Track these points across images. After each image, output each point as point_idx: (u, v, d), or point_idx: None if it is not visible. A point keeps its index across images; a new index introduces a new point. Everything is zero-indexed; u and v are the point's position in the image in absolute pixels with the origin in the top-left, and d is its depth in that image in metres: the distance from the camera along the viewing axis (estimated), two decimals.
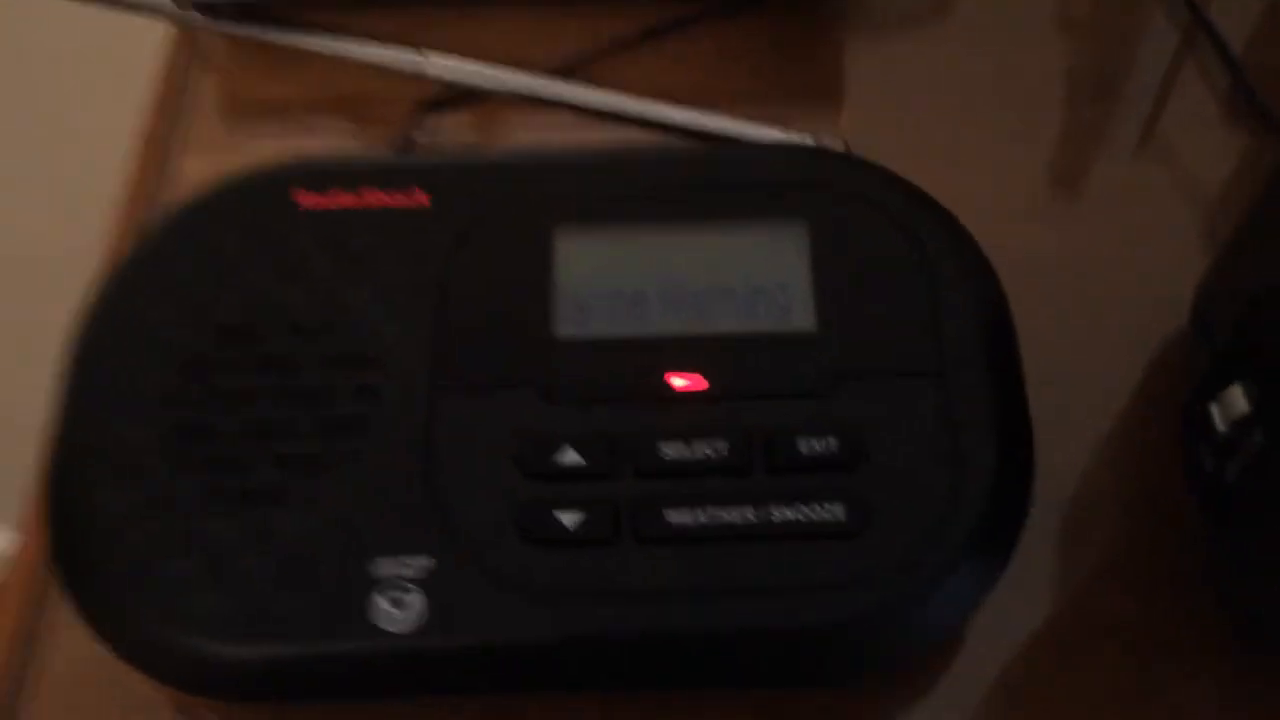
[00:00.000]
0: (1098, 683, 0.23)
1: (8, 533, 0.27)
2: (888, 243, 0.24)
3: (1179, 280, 0.27)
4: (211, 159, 0.31)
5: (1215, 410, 0.18)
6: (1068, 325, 0.27)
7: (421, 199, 0.24)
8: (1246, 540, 0.20)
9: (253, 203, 0.24)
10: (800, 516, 0.21)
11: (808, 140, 0.28)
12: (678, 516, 0.21)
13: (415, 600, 0.21)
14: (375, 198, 0.24)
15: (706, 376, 0.22)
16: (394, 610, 0.21)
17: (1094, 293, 0.28)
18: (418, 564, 0.21)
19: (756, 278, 0.24)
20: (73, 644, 0.24)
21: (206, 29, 0.32)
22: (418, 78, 0.31)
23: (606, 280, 0.24)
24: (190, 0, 0.31)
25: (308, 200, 0.24)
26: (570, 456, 0.22)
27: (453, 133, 0.31)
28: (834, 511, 0.21)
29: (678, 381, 0.23)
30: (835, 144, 0.28)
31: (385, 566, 0.21)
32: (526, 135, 0.31)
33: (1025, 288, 0.25)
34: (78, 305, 0.24)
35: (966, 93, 0.31)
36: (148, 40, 0.33)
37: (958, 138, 0.31)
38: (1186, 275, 0.27)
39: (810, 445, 0.22)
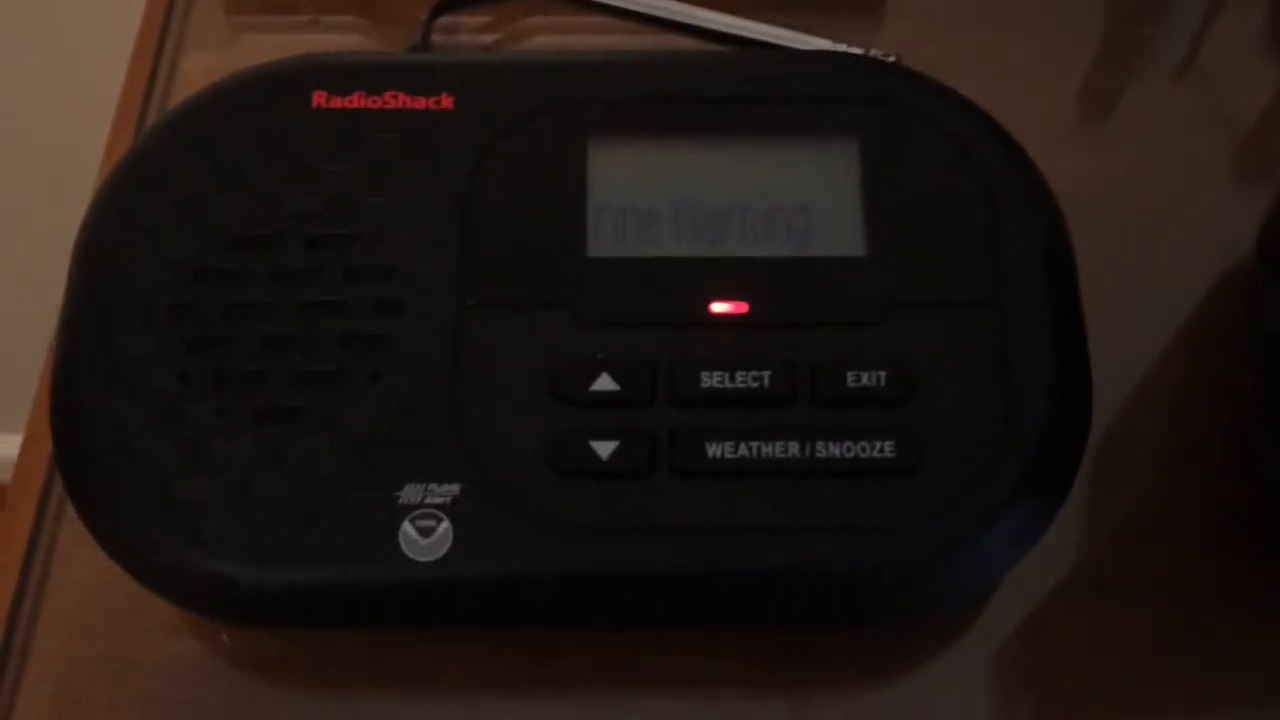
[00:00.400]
0: (1132, 629, 0.23)
1: (16, 439, 0.26)
2: (944, 163, 0.22)
3: (1229, 213, 0.26)
4: (216, 55, 0.29)
5: None
6: (1115, 258, 0.26)
7: (446, 102, 0.23)
8: None
9: (268, 101, 0.23)
10: (847, 453, 0.20)
11: (857, 52, 0.26)
12: (717, 449, 0.20)
13: (442, 529, 0.20)
14: (398, 99, 0.23)
15: (749, 301, 0.21)
16: (420, 538, 0.20)
17: (1143, 223, 0.27)
18: (444, 491, 0.20)
19: (804, 197, 0.22)
20: (86, 565, 0.23)
21: None
22: None
23: (644, 196, 0.22)
24: None
25: (326, 101, 0.23)
26: (605, 383, 0.21)
27: (472, 34, 0.30)
28: (883, 448, 0.20)
29: (719, 306, 0.21)
30: (886, 56, 0.26)
31: (410, 493, 0.20)
32: (551, 39, 0.29)
33: (1073, 216, 0.24)
34: (81, 209, 0.22)
35: (1016, 6, 0.30)
36: None
37: (1004, 55, 0.29)
38: (1235, 208, 0.26)
39: (858, 378, 0.21)
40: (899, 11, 0.30)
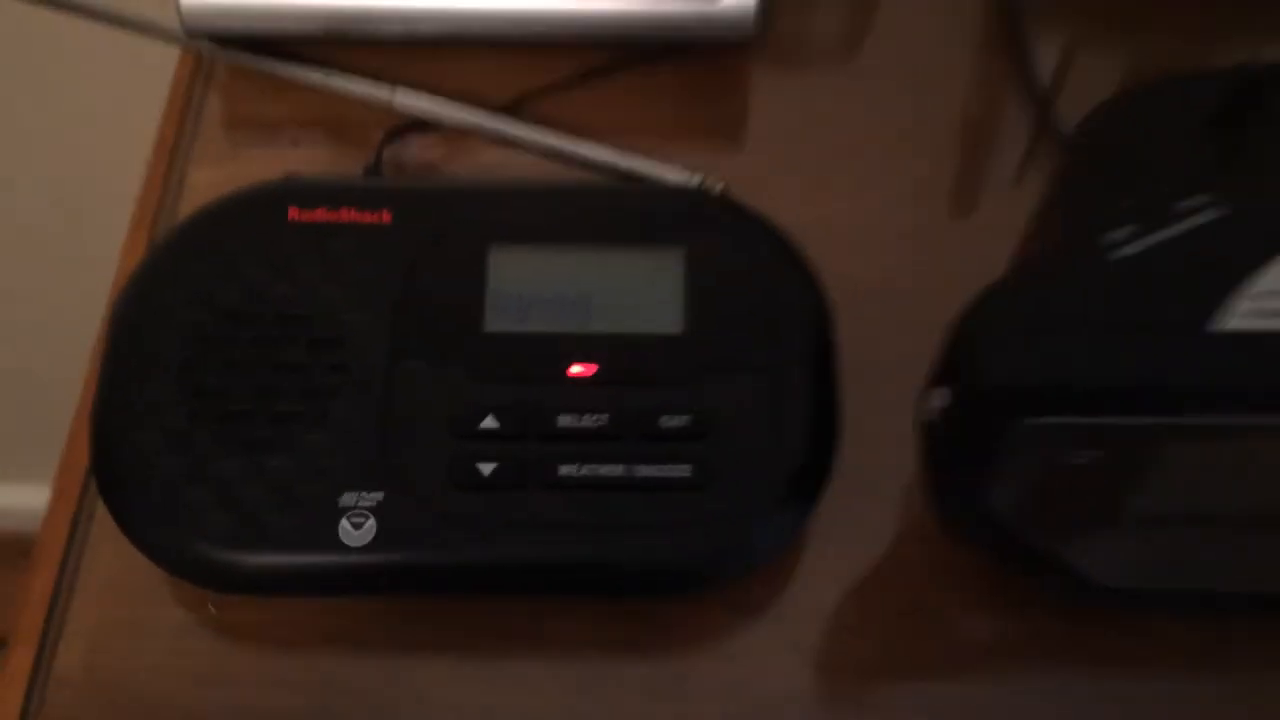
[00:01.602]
0: (885, 600, 0.31)
1: (43, 491, 0.33)
2: (743, 268, 0.31)
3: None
4: (216, 168, 0.37)
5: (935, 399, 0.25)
6: (894, 338, 0.34)
7: (386, 218, 0.31)
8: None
9: (255, 216, 0.31)
10: (659, 473, 0.29)
11: (695, 180, 0.35)
12: (567, 470, 0.29)
13: (369, 524, 0.28)
14: (350, 215, 0.31)
15: (597, 366, 0.30)
16: (354, 530, 0.28)
17: (905, 312, 0.34)
18: (372, 498, 0.28)
19: (642, 290, 0.31)
20: (111, 556, 0.31)
21: (214, 57, 0.39)
22: (389, 107, 0.38)
23: (526, 288, 0.31)
24: (201, 34, 0.38)
25: (299, 215, 0.31)
26: (489, 422, 0.29)
27: (417, 153, 0.38)
28: (684, 470, 0.29)
29: (574, 369, 0.30)
30: (717, 184, 0.35)
31: (348, 499, 0.28)
32: (475, 160, 0.38)
33: (867, 306, 0.33)
34: (107, 292, 0.31)
35: (850, 135, 0.38)
36: (166, 62, 0.39)
37: (834, 173, 0.38)
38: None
39: (669, 421, 0.29)
40: (755, 138, 0.39)
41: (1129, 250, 0.23)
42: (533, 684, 0.30)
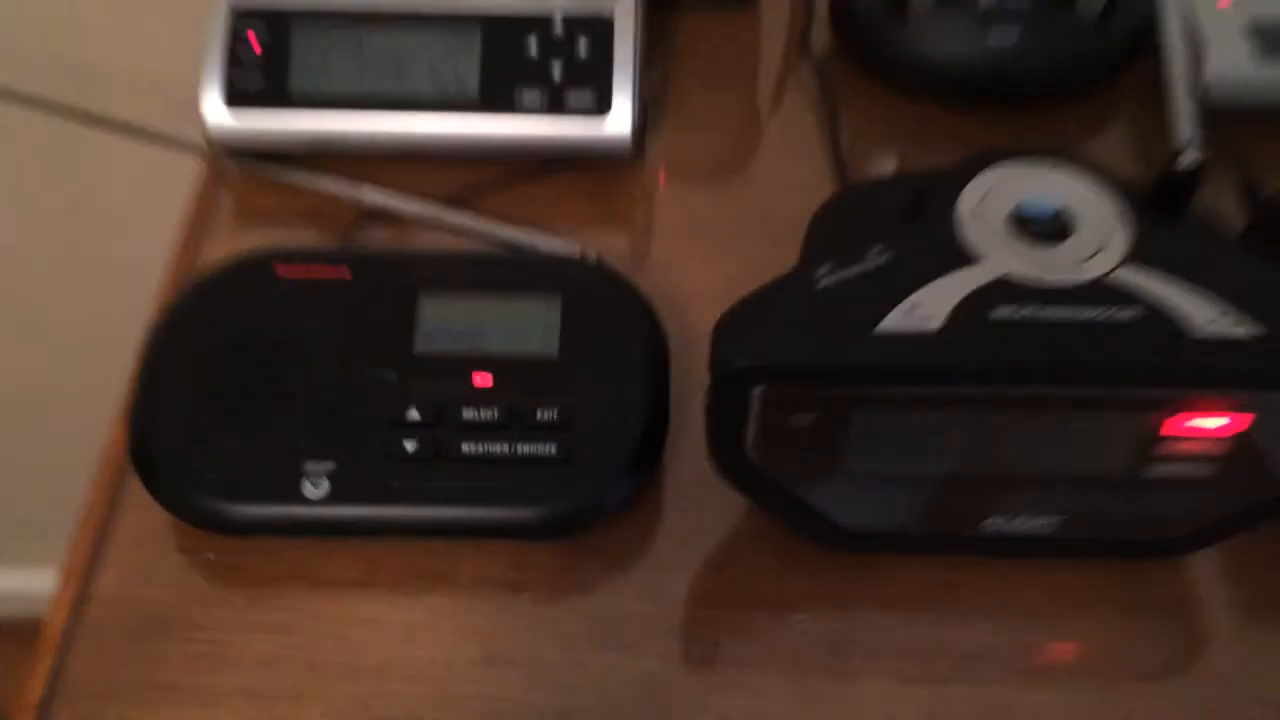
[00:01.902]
0: (709, 553, 0.42)
1: (52, 575, 0.43)
2: (603, 311, 0.43)
3: None
4: (228, 244, 0.50)
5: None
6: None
7: (346, 274, 0.43)
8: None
9: (251, 270, 0.43)
10: (534, 451, 0.40)
11: (576, 251, 0.47)
12: (468, 448, 0.40)
13: (324, 485, 0.39)
14: (321, 271, 0.43)
15: (493, 376, 0.41)
16: (313, 489, 0.39)
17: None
18: (327, 466, 0.39)
19: (530, 326, 0.43)
20: (137, 515, 0.42)
21: (228, 165, 0.51)
22: (358, 201, 0.50)
23: (446, 323, 0.43)
24: (221, 149, 0.51)
25: (282, 271, 0.43)
26: (413, 414, 0.40)
27: (379, 233, 0.50)
28: (552, 449, 0.40)
29: (477, 380, 0.41)
30: (592, 254, 0.47)
31: (310, 466, 0.39)
32: (418, 237, 0.50)
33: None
34: (138, 340, 0.42)
35: (710, 224, 0.51)
36: (189, 168, 0.52)
37: (692, 251, 0.50)
38: None
39: (542, 415, 0.40)
40: (630, 230, 0.51)
41: (826, 282, 0.35)
42: (447, 612, 0.41)
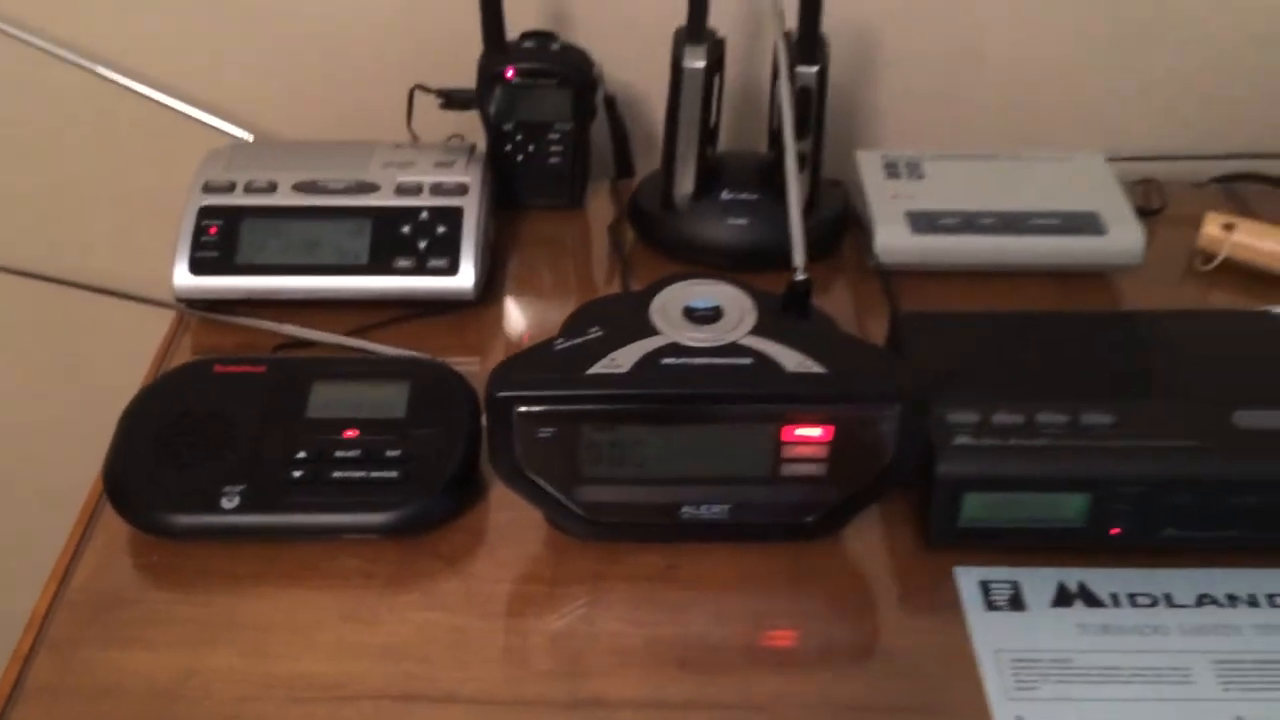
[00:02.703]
0: (528, 552, 0.59)
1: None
2: (438, 389, 0.63)
3: None
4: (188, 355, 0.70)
5: None
6: None
7: (263, 369, 0.63)
8: None
9: (198, 368, 0.64)
10: (383, 476, 0.59)
11: (424, 356, 0.68)
12: (338, 474, 0.59)
13: (236, 500, 0.58)
14: (246, 368, 0.63)
15: (359, 430, 0.60)
16: (228, 503, 0.58)
17: None
18: (239, 488, 0.58)
19: (386, 402, 0.62)
20: (104, 534, 0.60)
21: (189, 315, 0.72)
22: (282, 334, 0.71)
23: (330, 400, 0.62)
24: (185, 303, 0.72)
25: (219, 369, 0.63)
26: (301, 454, 0.59)
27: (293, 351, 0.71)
28: (394, 474, 0.59)
29: (347, 433, 0.60)
30: (434, 358, 0.68)
31: (227, 489, 0.58)
32: (318, 351, 0.71)
33: None
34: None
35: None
36: (162, 315, 0.73)
37: None
38: None
39: (390, 453, 0.59)
40: (470, 347, 0.72)
41: (561, 347, 0.55)
42: (313, 603, 0.58)
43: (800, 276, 0.59)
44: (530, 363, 0.56)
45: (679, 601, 0.58)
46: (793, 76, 0.71)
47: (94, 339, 0.98)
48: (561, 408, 0.54)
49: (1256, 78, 0.88)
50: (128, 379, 0.70)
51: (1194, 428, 0.58)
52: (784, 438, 0.56)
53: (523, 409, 0.54)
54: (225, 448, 0.60)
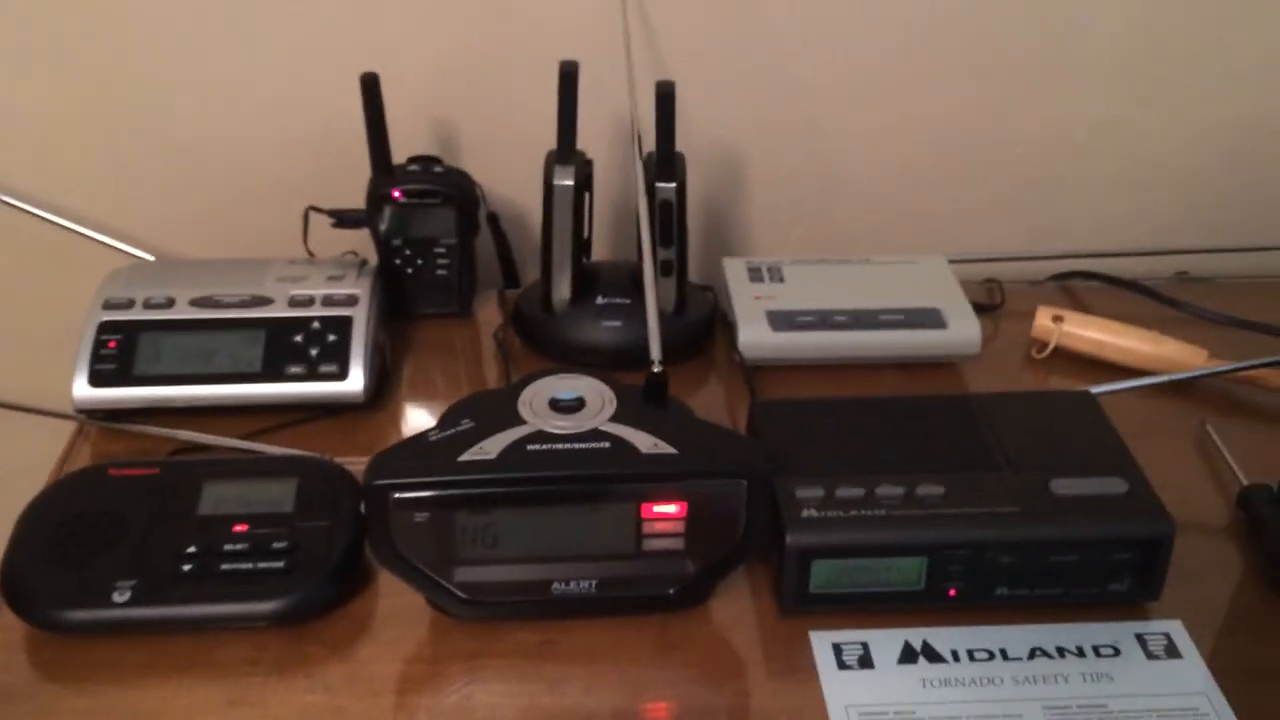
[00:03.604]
0: (411, 635, 0.63)
1: None
2: (325, 484, 0.67)
3: None
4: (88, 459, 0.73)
5: None
6: None
7: (156, 471, 0.67)
8: None
9: (93, 473, 0.67)
10: (270, 566, 0.62)
11: (312, 454, 0.72)
12: (226, 566, 0.62)
13: (128, 593, 0.60)
14: (139, 471, 0.67)
15: (248, 525, 0.64)
16: (119, 596, 0.60)
17: None
18: (130, 582, 0.61)
19: (275, 496, 0.66)
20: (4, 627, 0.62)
21: (88, 424, 0.76)
22: (177, 439, 0.74)
23: (221, 497, 0.66)
24: (85, 415, 0.75)
25: (114, 472, 0.67)
26: (190, 549, 0.63)
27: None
28: (281, 564, 0.62)
29: (236, 528, 0.64)
30: (328, 457, 0.71)
31: (119, 583, 0.61)
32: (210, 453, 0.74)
33: None
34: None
35: None
36: (62, 428, 0.76)
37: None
38: None
39: (276, 545, 0.63)
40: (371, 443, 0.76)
41: (435, 437, 0.60)
42: (201, 690, 0.60)
43: (657, 369, 0.64)
44: (405, 453, 0.60)
45: (554, 675, 0.61)
46: (652, 192, 0.78)
47: None
48: (433, 493, 0.59)
49: (1086, 186, 0.99)
50: (28, 490, 0.72)
51: (1016, 495, 0.64)
52: (643, 514, 0.61)
53: (398, 495, 0.59)
54: (118, 545, 0.63)
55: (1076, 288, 0.97)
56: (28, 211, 0.91)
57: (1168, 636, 0.64)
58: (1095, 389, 0.76)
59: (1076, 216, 1.00)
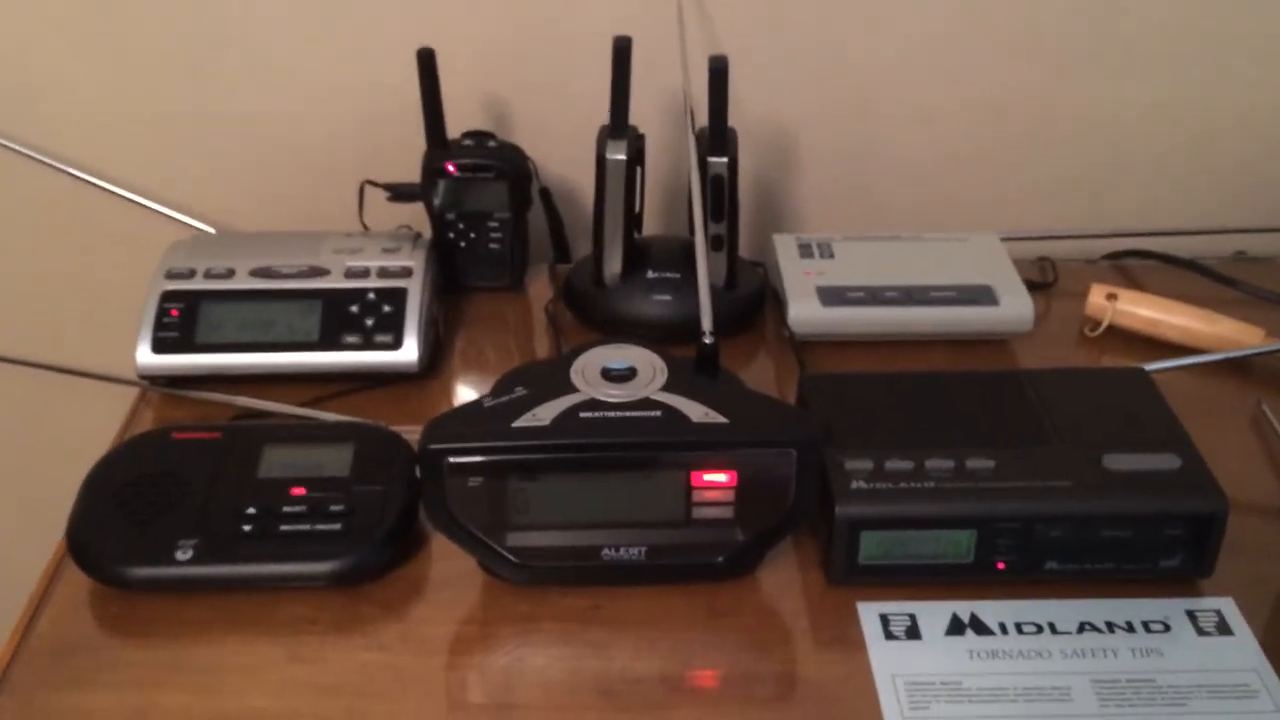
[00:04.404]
0: (477, 597, 0.64)
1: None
2: (380, 450, 0.68)
3: None
4: (153, 421, 0.75)
5: None
6: None
7: (218, 435, 0.68)
8: None
9: (159, 435, 0.69)
10: (327, 528, 0.64)
11: (368, 421, 0.73)
12: (285, 528, 0.63)
13: (190, 552, 0.62)
14: (201, 434, 0.68)
15: (305, 488, 0.65)
16: (182, 555, 0.62)
17: None
18: (193, 541, 0.63)
19: (333, 460, 0.67)
20: (66, 588, 0.64)
21: (151, 391, 0.78)
22: (236, 405, 0.76)
23: (279, 461, 0.67)
24: (148, 380, 0.77)
25: (176, 435, 0.68)
26: (251, 509, 0.64)
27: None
28: (338, 526, 0.64)
29: (295, 490, 0.65)
30: (384, 425, 0.73)
31: (181, 542, 0.62)
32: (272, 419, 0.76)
33: None
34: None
35: None
36: (127, 394, 0.78)
37: None
38: None
39: (333, 508, 0.64)
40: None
41: (490, 404, 0.61)
42: (261, 647, 0.62)
43: (708, 340, 0.65)
44: (460, 418, 0.61)
45: (602, 639, 0.62)
46: (704, 166, 0.79)
47: (61, 419, 1.03)
48: (488, 458, 0.60)
49: (1140, 166, 0.97)
50: (95, 454, 0.74)
51: (1068, 470, 0.64)
52: (693, 483, 0.61)
53: (453, 460, 0.60)
54: (180, 506, 0.65)
55: (1131, 266, 0.96)
56: (94, 184, 0.93)
57: (1219, 613, 0.64)
58: (1149, 366, 0.76)
59: (1131, 195, 0.99)
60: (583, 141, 0.83)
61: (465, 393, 0.81)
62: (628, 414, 0.61)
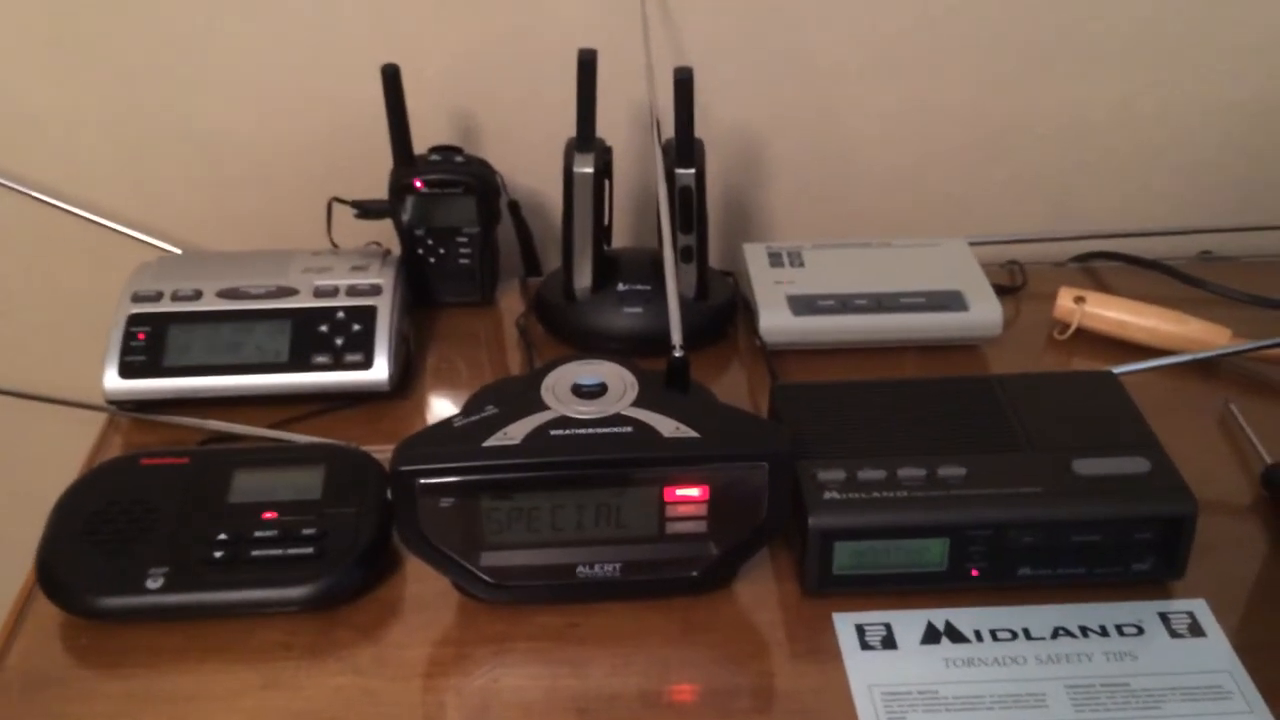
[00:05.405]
0: (437, 619, 0.64)
1: None
2: (351, 471, 0.68)
3: None
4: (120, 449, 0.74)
5: None
6: None
7: (186, 461, 0.68)
8: None
9: (126, 461, 0.68)
10: (299, 552, 0.63)
11: (339, 442, 0.72)
12: (257, 553, 0.63)
13: (160, 580, 0.61)
14: (170, 460, 0.68)
15: (277, 512, 0.65)
16: (153, 583, 0.61)
17: None
18: (163, 569, 0.62)
19: (303, 482, 0.67)
20: (36, 620, 0.63)
21: (119, 416, 0.77)
22: (206, 429, 0.75)
23: (250, 487, 0.67)
24: (115, 406, 0.76)
25: (145, 461, 0.68)
26: (221, 535, 0.64)
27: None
28: (310, 550, 0.63)
29: (266, 515, 0.65)
30: (354, 445, 0.72)
31: (152, 570, 0.62)
32: (239, 444, 0.75)
33: None
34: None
35: None
36: (93, 419, 0.78)
37: None
38: None
39: (305, 531, 0.64)
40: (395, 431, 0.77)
41: (460, 423, 0.61)
42: (235, 674, 0.61)
43: (678, 353, 0.65)
44: (430, 439, 0.61)
45: (579, 657, 0.62)
46: (672, 178, 0.79)
47: (27, 444, 1.02)
48: (459, 479, 0.60)
49: (1107, 167, 0.98)
50: (62, 480, 0.73)
51: (1038, 475, 0.65)
52: (666, 498, 0.61)
53: (424, 481, 0.59)
54: (150, 533, 0.64)
55: (1099, 268, 0.96)
56: (57, 207, 0.92)
57: (1191, 615, 0.64)
58: (1118, 369, 0.76)
59: (1098, 197, 1.00)
60: (551, 154, 0.83)
61: (438, 410, 0.80)
62: (598, 430, 0.61)
